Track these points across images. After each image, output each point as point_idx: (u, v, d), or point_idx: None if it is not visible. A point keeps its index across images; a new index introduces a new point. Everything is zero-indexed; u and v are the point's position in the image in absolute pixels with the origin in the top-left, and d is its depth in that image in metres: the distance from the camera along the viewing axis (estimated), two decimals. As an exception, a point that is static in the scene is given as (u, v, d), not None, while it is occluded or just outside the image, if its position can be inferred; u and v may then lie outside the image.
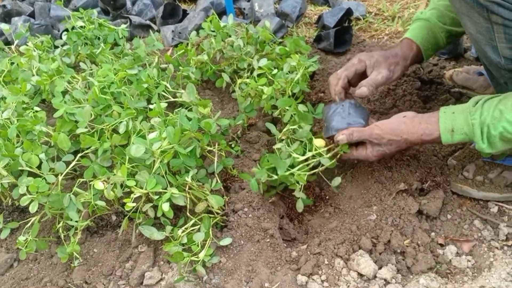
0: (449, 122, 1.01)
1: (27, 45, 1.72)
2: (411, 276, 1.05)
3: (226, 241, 1.05)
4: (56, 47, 1.78)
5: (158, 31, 2.14)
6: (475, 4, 0.92)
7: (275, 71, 1.33)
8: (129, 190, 1.05)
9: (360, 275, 1.04)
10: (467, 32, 1.09)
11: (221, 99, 1.62)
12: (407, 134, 1.06)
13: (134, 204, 1.00)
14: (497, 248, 1.07)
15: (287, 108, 1.22)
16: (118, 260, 1.11)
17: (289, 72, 1.35)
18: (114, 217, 1.20)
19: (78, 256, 1.10)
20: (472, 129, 0.97)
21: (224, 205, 1.17)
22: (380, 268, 1.05)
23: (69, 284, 1.09)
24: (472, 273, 1.04)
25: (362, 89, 1.21)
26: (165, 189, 1.04)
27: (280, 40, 1.64)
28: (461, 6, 1.01)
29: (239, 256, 1.07)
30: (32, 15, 2.34)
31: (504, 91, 1.07)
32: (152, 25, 2.19)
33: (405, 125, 1.07)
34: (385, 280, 1.03)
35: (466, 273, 1.04)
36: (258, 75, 1.38)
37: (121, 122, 1.18)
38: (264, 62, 1.40)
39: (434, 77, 1.63)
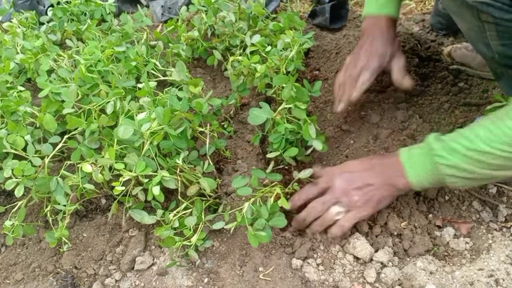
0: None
1: (11, 22, 1.65)
2: (408, 259, 1.03)
3: (219, 225, 1.02)
4: (41, 23, 1.71)
5: (147, 6, 2.07)
6: (464, 4, 0.89)
7: (269, 48, 1.28)
8: (118, 173, 1.02)
9: (356, 258, 1.02)
10: (459, 28, 1.06)
11: (213, 78, 1.57)
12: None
13: (123, 188, 0.96)
14: (496, 230, 1.06)
15: (284, 85, 1.18)
16: (108, 245, 1.08)
17: (283, 49, 1.30)
18: (103, 201, 1.16)
19: (67, 241, 1.07)
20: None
21: (217, 188, 1.14)
22: (376, 251, 1.03)
23: (58, 269, 1.07)
24: (470, 255, 1.02)
25: (407, 80, 1.21)
26: (156, 172, 1.00)
27: (274, 15, 1.58)
28: (450, 4, 0.98)
29: (233, 240, 1.05)
30: (16, -10, 2.25)
31: (500, 79, 1.05)
32: (141, 0, 2.11)
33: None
34: (381, 263, 1.01)
35: (464, 256, 1.02)
36: (251, 53, 1.33)
37: (108, 102, 1.13)
38: (257, 38, 1.34)
39: (432, 53, 1.59)
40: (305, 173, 1.05)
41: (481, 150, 0.86)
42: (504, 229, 1.05)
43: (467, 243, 1.04)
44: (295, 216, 1.07)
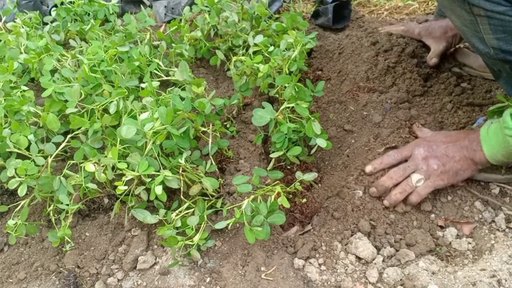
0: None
1: (15, 22, 1.66)
2: (410, 259, 1.02)
3: (221, 224, 1.02)
4: (45, 23, 1.71)
5: (151, 6, 2.07)
6: None
7: (271, 48, 1.28)
8: (121, 172, 1.02)
9: (359, 258, 1.02)
10: (453, 24, 1.07)
11: (216, 78, 1.57)
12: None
13: (126, 187, 0.96)
14: (498, 230, 1.05)
15: (286, 84, 1.18)
16: (110, 244, 1.08)
17: (286, 49, 1.30)
18: (106, 200, 1.17)
19: (69, 240, 1.08)
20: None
21: (219, 188, 1.14)
22: (378, 251, 1.03)
23: (61, 269, 1.07)
24: (472, 255, 1.02)
25: (434, 59, 1.44)
26: (158, 171, 1.00)
27: (277, 15, 1.58)
28: (443, 1, 0.98)
29: (235, 240, 1.05)
30: (20, -10, 2.26)
31: (499, 78, 1.05)
32: (144, 0, 2.12)
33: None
34: (383, 263, 1.01)
35: (466, 256, 1.02)
36: (254, 53, 1.34)
37: (111, 102, 1.13)
38: (260, 38, 1.34)
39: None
40: (309, 176, 1.04)
41: None
42: (507, 230, 1.05)
43: (470, 243, 1.04)
44: (375, 181, 1.12)
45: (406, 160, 1.11)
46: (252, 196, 0.99)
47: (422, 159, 1.08)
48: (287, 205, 0.98)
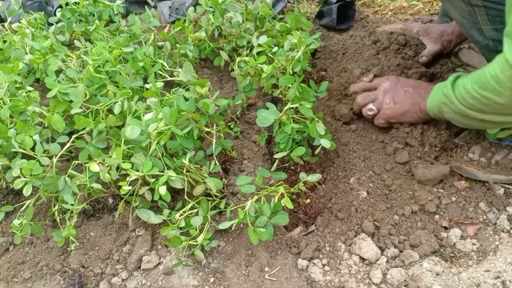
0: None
1: (21, 22, 1.66)
2: (415, 260, 1.02)
3: (225, 225, 1.02)
4: (50, 24, 1.72)
5: (155, 7, 2.08)
6: None
7: (275, 48, 1.28)
8: (125, 172, 1.02)
9: (362, 259, 1.02)
10: (453, 18, 1.07)
11: (220, 78, 1.58)
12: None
13: (130, 187, 0.97)
14: (503, 231, 1.05)
15: (290, 85, 1.18)
16: (115, 244, 1.09)
17: (290, 49, 1.30)
18: (111, 200, 1.17)
19: (74, 240, 1.08)
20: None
21: (223, 188, 1.14)
22: (382, 252, 1.03)
23: (66, 268, 1.07)
24: (477, 257, 1.02)
25: (424, 58, 1.47)
26: (162, 171, 1.01)
27: (281, 16, 1.58)
28: None
29: (239, 240, 1.05)
30: (25, -9, 2.27)
31: None
32: (149, 0, 2.12)
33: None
34: (387, 264, 1.01)
35: (470, 257, 1.01)
36: (258, 53, 1.34)
37: (116, 102, 1.14)
38: (264, 39, 1.34)
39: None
40: (313, 177, 1.05)
41: (465, 87, 0.96)
42: (511, 231, 1.04)
43: (474, 244, 1.04)
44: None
45: (376, 88, 1.28)
46: (255, 197, 0.99)
47: (383, 91, 1.24)
48: (290, 206, 0.98)
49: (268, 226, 0.97)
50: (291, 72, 1.24)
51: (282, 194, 0.99)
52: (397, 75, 1.42)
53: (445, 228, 1.08)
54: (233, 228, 1.05)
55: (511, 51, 0.83)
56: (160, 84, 1.24)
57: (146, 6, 1.82)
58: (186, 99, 1.09)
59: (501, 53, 0.86)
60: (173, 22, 1.88)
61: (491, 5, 0.88)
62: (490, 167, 1.13)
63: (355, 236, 1.06)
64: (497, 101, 0.89)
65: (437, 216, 1.10)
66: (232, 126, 1.34)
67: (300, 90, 1.17)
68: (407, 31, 1.58)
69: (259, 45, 1.34)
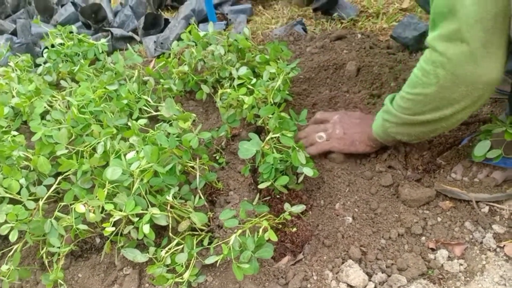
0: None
1: (8, 66, 1.70)
2: (403, 284, 1.02)
3: (211, 259, 1.02)
4: (37, 65, 1.75)
5: (141, 42, 2.12)
6: None
7: (254, 80, 1.31)
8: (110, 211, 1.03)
9: (350, 286, 1.02)
10: None
11: (206, 109, 1.60)
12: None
13: (113, 229, 0.97)
14: (489, 250, 1.05)
15: (270, 116, 1.20)
16: (103, 284, 1.09)
17: (269, 79, 1.32)
18: (98, 240, 1.17)
19: (62, 283, 1.08)
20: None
21: (209, 221, 1.15)
22: (370, 277, 1.03)
23: (55, 312, 1.07)
24: (464, 277, 1.01)
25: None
26: (146, 209, 1.01)
27: (261, 46, 1.61)
28: None
29: (226, 274, 1.05)
30: (14, 33, 2.32)
31: None
32: (135, 36, 2.16)
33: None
34: (375, 290, 1.00)
35: (458, 278, 1.01)
36: (238, 85, 1.36)
37: (98, 142, 1.15)
38: (243, 71, 1.37)
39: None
40: (297, 208, 1.05)
41: (399, 95, 1.04)
42: (498, 249, 1.04)
43: (461, 264, 1.03)
44: (299, 131, 1.34)
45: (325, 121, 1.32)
46: (239, 231, 0.99)
47: (332, 123, 1.29)
48: (275, 238, 0.98)
49: (252, 260, 0.97)
50: (272, 102, 1.26)
51: (265, 228, 1.00)
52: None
53: (432, 249, 1.08)
54: (219, 263, 1.05)
55: (431, 37, 0.91)
56: (143, 121, 1.26)
57: (128, 44, 1.85)
58: (169, 135, 1.11)
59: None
60: (158, 56, 1.91)
61: None
62: (473, 186, 1.13)
63: (342, 263, 1.06)
64: (427, 92, 0.95)
65: (423, 238, 1.10)
66: (217, 157, 1.35)
67: (280, 120, 1.18)
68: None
69: (239, 77, 1.36)
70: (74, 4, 2.44)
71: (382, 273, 1.04)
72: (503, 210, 1.12)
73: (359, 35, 1.93)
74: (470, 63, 0.87)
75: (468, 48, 0.85)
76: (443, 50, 0.89)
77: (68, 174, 1.16)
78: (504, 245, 1.05)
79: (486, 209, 1.12)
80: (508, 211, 1.12)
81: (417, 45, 1.74)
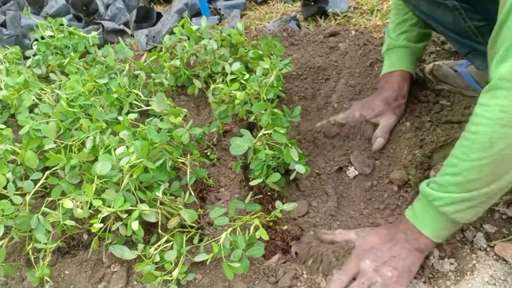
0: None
1: (-3, 57, 1.67)
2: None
3: (201, 257, 1.01)
4: (27, 57, 1.72)
5: (132, 35, 2.09)
6: None
7: (247, 75, 1.29)
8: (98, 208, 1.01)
9: (341, 285, 1.01)
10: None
11: (197, 105, 1.58)
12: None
13: (101, 225, 0.96)
14: (479, 249, 1.04)
15: (262, 112, 1.19)
16: (90, 282, 1.07)
17: (262, 75, 1.31)
18: (85, 236, 1.16)
19: (48, 280, 1.06)
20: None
21: (199, 218, 1.13)
22: (361, 276, 1.02)
23: (41, 309, 1.05)
24: (455, 276, 1.01)
25: (379, 140, 1.29)
26: (135, 206, 1.00)
27: (255, 41, 1.60)
28: None
29: (216, 272, 1.04)
30: (4, 24, 2.28)
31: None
32: (126, 29, 2.14)
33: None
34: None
35: (448, 277, 1.01)
36: (231, 80, 1.34)
37: (87, 137, 1.13)
38: (236, 66, 1.35)
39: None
40: (288, 206, 1.04)
41: (464, 169, 0.83)
42: (488, 249, 1.04)
43: (452, 263, 1.03)
44: None
45: (354, 279, 0.98)
46: (230, 229, 0.98)
47: (373, 271, 0.96)
48: (266, 237, 0.97)
49: (243, 259, 0.95)
50: (265, 98, 1.24)
51: (256, 226, 0.98)
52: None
53: (423, 248, 1.07)
54: (209, 261, 1.03)
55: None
56: (133, 115, 1.24)
57: (120, 37, 1.82)
58: (160, 130, 1.09)
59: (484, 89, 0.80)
60: (150, 50, 1.89)
61: None
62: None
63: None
64: None
65: (415, 237, 1.09)
66: (208, 154, 1.33)
67: (273, 117, 1.17)
68: (350, 119, 1.36)
69: (232, 72, 1.34)
70: (65, -4, 2.41)
71: (373, 271, 1.03)
72: (494, 209, 1.12)
73: (353, 32, 1.92)
74: None
75: None
76: None
77: (56, 169, 1.14)
78: (494, 245, 1.04)
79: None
80: (499, 210, 1.11)
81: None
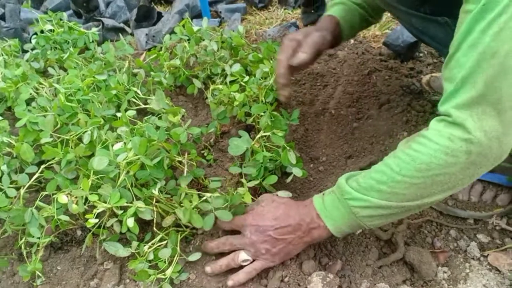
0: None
1: (-5, 50, 1.65)
2: (386, 290, 1.02)
3: (195, 257, 1.01)
4: (25, 51, 1.71)
5: (132, 34, 2.09)
6: None
7: (247, 78, 1.29)
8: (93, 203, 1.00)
9: (334, 289, 1.01)
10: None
11: (195, 105, 1.58)
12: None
13: (96, 221, 0.95)
14: (473, 258, 1.05)
15: (261, 114, 1.19)
16: (82, 278, 1.06)
17: (262, 78, 1.31)
18: (79, 232, 1.15)
19: (40, 275, 1.05)
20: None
21: (195, 218, 1.13)
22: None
23: (31, 304, 1.04)
24: (448, 285, 1.02)
25: (300, 54, 1.12)
26: (131, 202, 0.99)
27: (255, 45, 1.60)
28: None
29: (209, 272, 1.03)
30: (3, 17, 2.27)
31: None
32: (126, 28, 2.13)
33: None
34: (359, 294, 1.00)
35: (442, 286, 1.01)
36: (231, 82, 1.35)
37: (85, 132, 1.13)
38: (236, 68, 1.36)
39: (410, 84, 1.61)
40: (285, 193, 1.05)
41: (393, 180, 0.81)
42: (482, 258, 1.05)
43: (445, 272, 1.04)
44: (205, 241, 1.05)
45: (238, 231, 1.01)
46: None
47: (249, 242, 0.97)
48: (249, 201, 1.01)
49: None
50: (264, 101, 1.25)
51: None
52: None
53: (417, 256, 1.08)
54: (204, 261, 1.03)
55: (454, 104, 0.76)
56: (132, 112, 1.24)
57: (121, 34, 1.82)
58: (158, 128, 1.09)
59: (436, 118, 0.80)
60: (149, 50, 1.89)
61: None
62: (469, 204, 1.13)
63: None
64: (452, 172, 0.78)
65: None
66: (205, 154, 1.33)
67: (272, 119, 1.17)
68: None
69: (232, 74, 1.35)
70: (65, -9, 2.40)
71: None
72: (488, 219, 1.13)
73: (352, 41, 1.94)
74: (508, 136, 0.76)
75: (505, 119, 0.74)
76: (477, 123, 0.74)
77: (52, 163, 1.13)
78: (488, 254, 1.05)
79: (471, 219, 1.12)
80: (493, 221, 1.12)
81: (409, 53, 1.75)
